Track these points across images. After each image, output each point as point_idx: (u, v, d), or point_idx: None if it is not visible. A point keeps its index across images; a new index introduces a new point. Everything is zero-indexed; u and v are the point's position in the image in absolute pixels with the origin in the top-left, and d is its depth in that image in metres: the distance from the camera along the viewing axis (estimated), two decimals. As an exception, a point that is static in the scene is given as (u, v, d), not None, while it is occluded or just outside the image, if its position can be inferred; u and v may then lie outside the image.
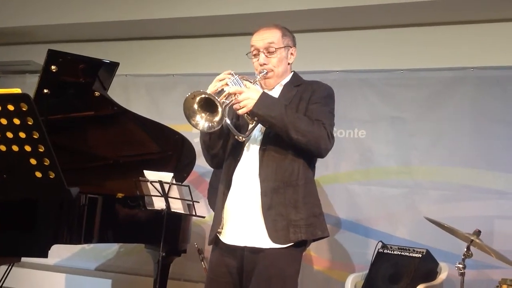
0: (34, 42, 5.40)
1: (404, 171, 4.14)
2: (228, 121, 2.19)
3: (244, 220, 2.24)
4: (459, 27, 4.25)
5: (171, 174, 3.07)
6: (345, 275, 3.76)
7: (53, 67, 3.18)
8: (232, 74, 2.21)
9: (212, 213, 2.45)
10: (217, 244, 2.33)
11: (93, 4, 4.92)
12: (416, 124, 4.17)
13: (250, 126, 2.25)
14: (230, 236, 2.27)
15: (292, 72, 2.45)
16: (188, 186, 3.07)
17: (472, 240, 2.92)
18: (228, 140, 2.37)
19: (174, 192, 3.09)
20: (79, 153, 3.63)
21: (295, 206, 2.21)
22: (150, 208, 3.22)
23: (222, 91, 2.15)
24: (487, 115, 3.97)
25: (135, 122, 3.66)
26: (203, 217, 3.30)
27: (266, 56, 2.33)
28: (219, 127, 2.10)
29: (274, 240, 2.17)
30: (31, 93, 2.92)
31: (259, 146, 2.28)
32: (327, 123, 2.25)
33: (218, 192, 2.38)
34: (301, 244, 2.25)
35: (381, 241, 3.74)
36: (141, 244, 3.88)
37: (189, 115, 2.09)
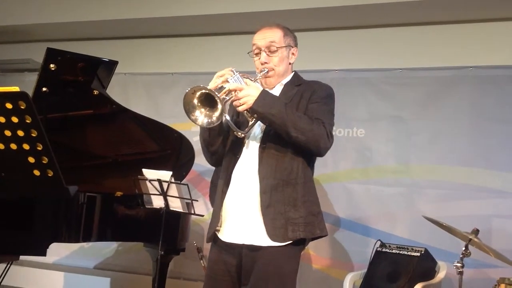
0: (33, 40, 5.40)
1: (403, 170, 4.14)
2: (228, 117, 2.20)
3: (242, 218, 2.25)
4: (457, 26, 4.25)
5: (170, 173, 3.07)
6: (344, 274, 3.77)
7: (52, 65, 3.18)
8: (233, 71, 2.22)
9: (211, 211, 2.45)
10: (215, 242, 2.33)
11: (92, 3, 4.92)
12: (414, 123, 4.17)
13: (250, 123, 2.26)
14: (229, 234, 2.27)
15: (293, 72, 2.47)
16: (187, 185, 3.07)
17: (470, 239, 2.93)
18: (228, 138, 2.38)
19: (173, 190, 3.09)
20: (77, 151, 3.63)
21: (294, 204, 2.22)
22: (149, 207, 3.22)
23: (222, 87, 2.16)
24: (485, 114, 3.97)
25: (134, 121, 3.66)
26: (202, 215, 3.31)
27: (267, 55, 2.34)
28: (218, 122, 2.11)
29: (272, 238, 2.18)
30: (30, 92, 2.93)
31: (259, 144, 2.29)
32: (327, 122, 2.26)
33: (216, 189, 2.38)
34: (300, 243, 2.26)
35: (379, 240, 3.75)
36: (140, 243, 3.88)
37: (188, 110, 2.10)
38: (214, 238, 2.33)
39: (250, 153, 2.29)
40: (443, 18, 4.25)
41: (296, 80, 2.43)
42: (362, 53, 4.46)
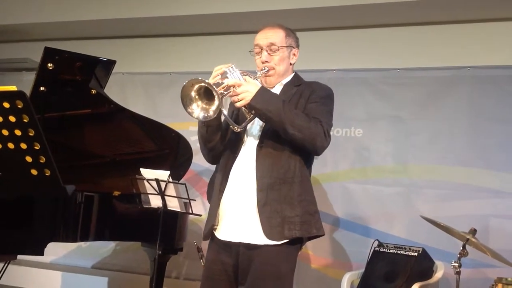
0: (31, 39, 5.39)
1: (401, 170, 4.14)
2: (225, 112, 2.22)
3: (239, 216, 2.25)
4: (456, 26, 4.25)
5: (168, 172, 3.07)
6: (342, 273, 3.76)
7: (49, 64, 3.17)
8: (233, 67, 2.23)
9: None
10: (212, 240, 2.34)
11: (90, 2, 4.91)
12: (412, 123, 4.17)
13: (247, 118, 2.27)
14: (226, 232, 2.28)
15: (294, 73, 2.49)
16: (185, 184, 3.06)
17: (468, 239, 2.93)
18: (226, 135, 2.39)
19: (171, 190, 3.09)
20: (75, 151, 3.63)
21: (290, 203, 2.22)
22: (147, 206, 3.22)
23: (221, 82, 2.17)
24: (483, 114, 3.98)
25: (132, 120, 3.65)
26: (200, 215, 3.30)
27: (268, 54, 2.37)
28: (214, 116, 2.11)
29: (268, 236, 2.18)
30: (28, 91, 2.92)
31: (257, 143, 2.30)
32: (324, 121, 2.27)
33: (214, 187, 2.39)
34: (296, 242, 2.26)
35: (377, 239, 3.75)
36: (138, 242, 3.88)
37: (185, 103, 2.10)
38: (211, 236, 2.34)
39: (248, 152, 2.30)
40: (441, 18, 4.25)
41: (296, 81, 2.45)
42: (360, 53, 4.47)
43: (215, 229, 2.32)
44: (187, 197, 3.07)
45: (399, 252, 3.60)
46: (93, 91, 3.41)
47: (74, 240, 3.16)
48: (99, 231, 3.29)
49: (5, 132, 2.42)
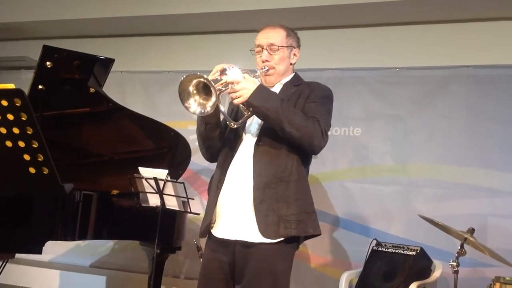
0: (29, 38, 5.38)
1: (399, 169, 4.15)
2: (222, 108, 2.22)
3: (236, 214, 2.26)
4: (454, 26, 4.26)
5: (166, 171, 3.07)
6: (340, 273, 3.77)
7: (48, 63, 3.17)
8: (233, 66, 2.25)
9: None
10: (209, 238, 2.35)
11: (89, 0, 4.90)
12: (410, 122, 4.17)
13: (245, 115, 2.28)
14: (222, 230, 2.29)
15: (294, 73, 2.50)
16: (183, 183, 3.06)
17: (466, 238, 2.94)
18: (225, 133, 2.40)
19: (169, 189, 3.08)
20: (73, 149, 3.62)
21: (286, 201, 2.23)
22: (145, 205, 3.22)
23: (220, 79, 2.18)
24: (481, 113, 3.98)
25: (130, 119, 3.65)
26: (198, 214, 3.29)
27: (268, 53, 2.38)
28: (211, 112, 2.12)
29: (264, 234, 2.19)
30: (26, 89, 2.92)
31: (255, 141, 2.31)
32: (322, 121, 2.28)
33: (211, 185, 2.39)
34: (293, 241, 2.27)
35: (375, 238, 3.75)
36: (136, 241, 3.87)
37: (183, 98, 2.11)
38: (208, 234, 2.34)
39: (246, 150, 2.31)
40: (440, 17, 4.25)
41: (296, 80, 2.46)
42: (358, 52, 4.47)
43: (212, 226, 2.32)
44: (185, 196, 3.06)
45: (397, 251, 3.60)
46: (92, 90, 3.40)
47: (72, 238, 3.16)
48: (97, 230, 3.29)
49: (3, 130, 2.42)
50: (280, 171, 2.25)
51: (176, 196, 3.09)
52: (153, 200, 3.18)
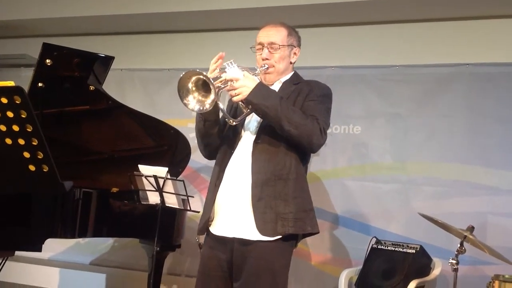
0: (29, 35, 5.37)
1: (399, 167, 4.14)
2: (221, 105, 2.22)
3: (234, 212, 2.27)
4: (454, 23, 4.25)
5: (166, 169, 3.07)
6: (340, 270, 3.76)
7: (48, 60, 3.17)
8: (232, 62, 2.25)
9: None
10: (208, 235, 2.36)
11: (88, -2, 4.91)
12: (410, 120, 4.17)
13: (244, 113, 2.28)
14: (220, 227, 2.30)
15: (293, 71, 2.50)
16: (183, 181, 3.06)
17: (466, 236, 2.94)
18: (223, 131, 2.40)
19: (169, 186, 3.09)
20: (73, 147, 3.63)
21: (284, 199, 2.23)
22: (145, 203, 3.22)
23: (219, 76, 2.18)
24: (481, 111, 3.97)
25: (130, 117, 3.65)
26: (198, 212, 3.29)
27: (269, 51, 2.39)
28: (210, 109, 2.13)
29: (262, 232, 2.19)
30: (26, 87, 2.92)
31: (254, 138, 2.31)
32: (321, 119, 2.28)
33: (210, 182, 2.40)
34: (290, 238, 2.28)
35: (375, 236, 3.76)
36: (136, 239, 3.88)
37: (182, 94, 2.11)
38: (206, 232, 2.35)
39: (245, 148, 2.32)
40: (440, 15, 4.25)
41: (295, 79, 2.47)
42: (358, 50, 4.46)
43: (210, 224, 2.33)
44: (185, 194, 3.07)
45: (397, 249, 3.61)
46: (92, 87, 3.41)
47: (72, 236, 3.16)
48: (97, 228, 3.30)
49: (2, 128, 2.41)
50: (278, 169, 2.25)
51: (176, 194, 3.09)
52: (153, 198, 3.18)
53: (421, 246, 3.55)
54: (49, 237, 2.99)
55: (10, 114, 2.37)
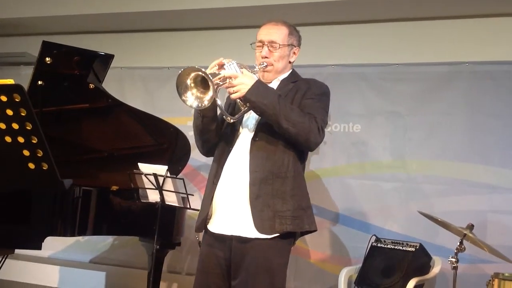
0: (28, 33, 5.37)
1: (398, 165, 4.14)
2: (219, 102, 2.22)
3: (231, 209, 2.27)
4: (454, 22, 4.25)
5: (166, 167, 3.07)
6: (340, 268, 3.76)
7: (47, 59, 3.17)
8: (231, 61, 2.25)
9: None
10: (206, 233, 2.36)
11: (88, -4, 4.90)
12: (410, 118, 4.17)
13: (242, 110, 2.28)
14: (218, 225, 2.30)
15: (292, 70, 2.50)
16: (183, 179, 3.06)
17: (465, 234, 2.94)
18: (221, 128, 2.40)
19: (169, 185, 3.09)
20: (73, 145, 3.63)
21: (282, 197, 2.24)
22: (145, 201, 3.22)
23: (218, 73, 2.18)
24: (481, 109, 3.98)
25: (130, 115, 3.65)
26: (198, 210, 3.29)
27: (269, 50, 2.39)
28: (208, 106, 2.12)
29: (259, 230, 2.20)
30: (26, 85, 2.92)
31: (252, 136, 2.31)
32: (319, 117, 2.29)
33: (207, 179, 2.40)
34: (289, 236, 2.28)
35: (374, 235, 3.76)
36: (136, 237, 3.88)
37: (180, 91, 2.12)
38: (204, 229, 2.35)
39: (243, 145, 2.32)
40: (439, 13, 4.24)
41: (293, 77, 2.47)
42: (358, 48, 4.46)
43: (208, 221, 2.33)
44: (185, 192, 3.07)
45: (396, 247, 3.61)
46: (91, 86, 3.41)
47: (72, 234, 3.16)
48: (97, 226, 3.30)
49: (2, 126, 2.41)
50: (277, 167, 2.26)
51: (176, 192, 3.09)
52: (153, 196, 3.18)
53: (420, 244, 3.55)
54: (49, 235, 2.99)
55: (9, 112, 2.38)
